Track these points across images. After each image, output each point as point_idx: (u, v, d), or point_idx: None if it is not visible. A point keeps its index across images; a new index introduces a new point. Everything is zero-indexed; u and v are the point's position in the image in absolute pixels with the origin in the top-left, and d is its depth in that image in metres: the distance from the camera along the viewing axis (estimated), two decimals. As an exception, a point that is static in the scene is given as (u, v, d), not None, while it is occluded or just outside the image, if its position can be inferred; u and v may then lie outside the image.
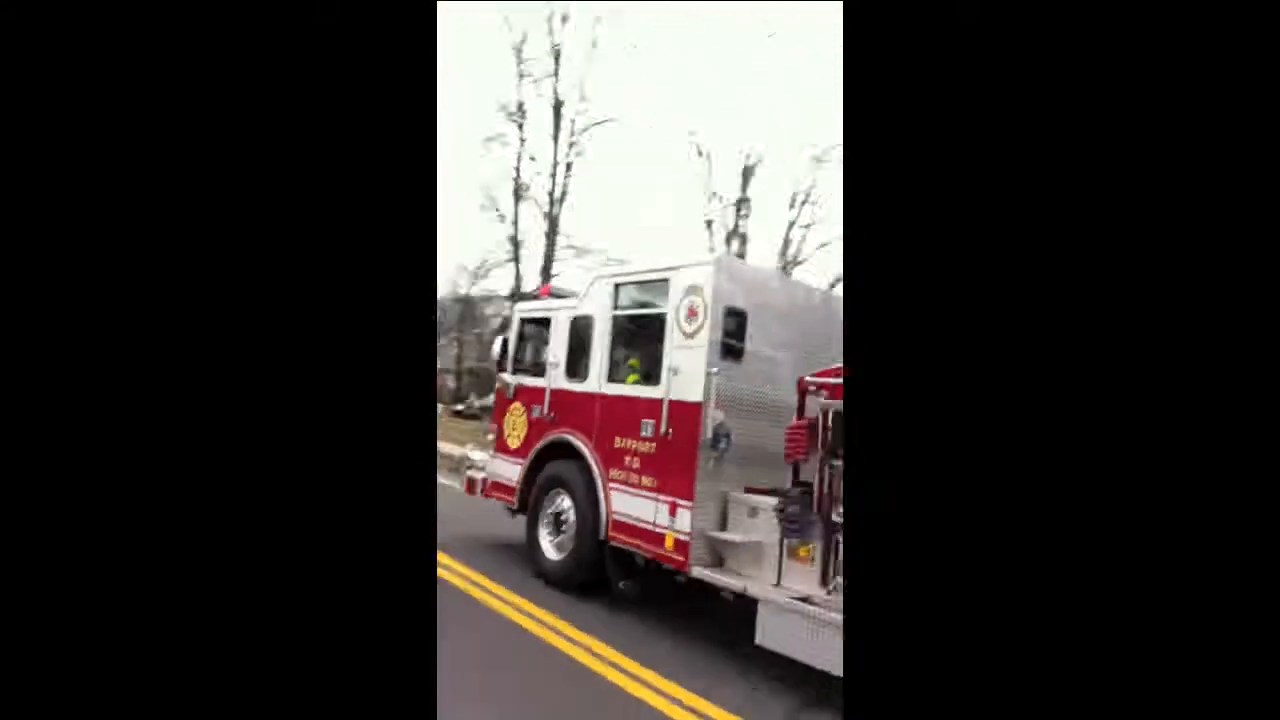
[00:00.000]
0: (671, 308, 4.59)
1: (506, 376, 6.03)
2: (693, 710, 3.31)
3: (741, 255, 21.04)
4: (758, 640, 3.76)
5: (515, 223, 23.71)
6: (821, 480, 3.78)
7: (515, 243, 23.85)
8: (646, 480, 4.57)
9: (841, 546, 3.64)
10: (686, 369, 4.40)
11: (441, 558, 5.26)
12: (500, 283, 24.95)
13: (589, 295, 5.38)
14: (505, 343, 6.22)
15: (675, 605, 4.88)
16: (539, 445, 5.49)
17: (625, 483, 4.71)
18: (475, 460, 6.76)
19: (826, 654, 3.35)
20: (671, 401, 4.46)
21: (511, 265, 24.28)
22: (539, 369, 5.73)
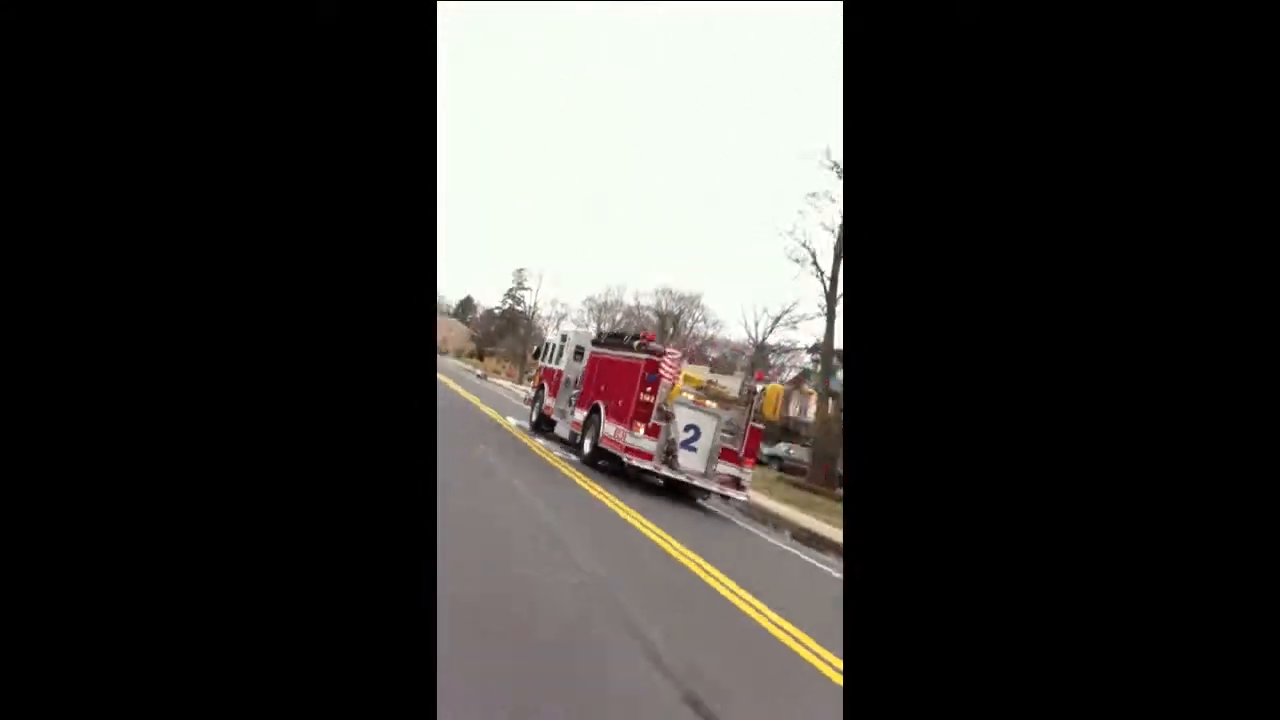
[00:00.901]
0: (568, 343, 15.15)
1: (539, 362, 16.94)
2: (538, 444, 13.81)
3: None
4: (555, 431, 14.41)
5: (833, 279, 22.75)
6: (571, 393, 14.10)
7: (830, 299, 23.11)
8: (552, 395, 15.16)
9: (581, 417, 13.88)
10: (563, 360, 14.92)
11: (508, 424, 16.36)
12: (805, 335, 25.58)
13: (558, 334, 16.16)
14: (537, 350, 17.26)
15: (549, 433, 15.27)
16: (536, 383, 16.39)
17: (550, 395, 15.35)
18: (528, 393, 17.92)
19: (559, 434, 13.80)
20: (558, 370, 15.03)
21: (824, 320, 23.55)
22: (544, 358, 16.54)
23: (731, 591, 6.04)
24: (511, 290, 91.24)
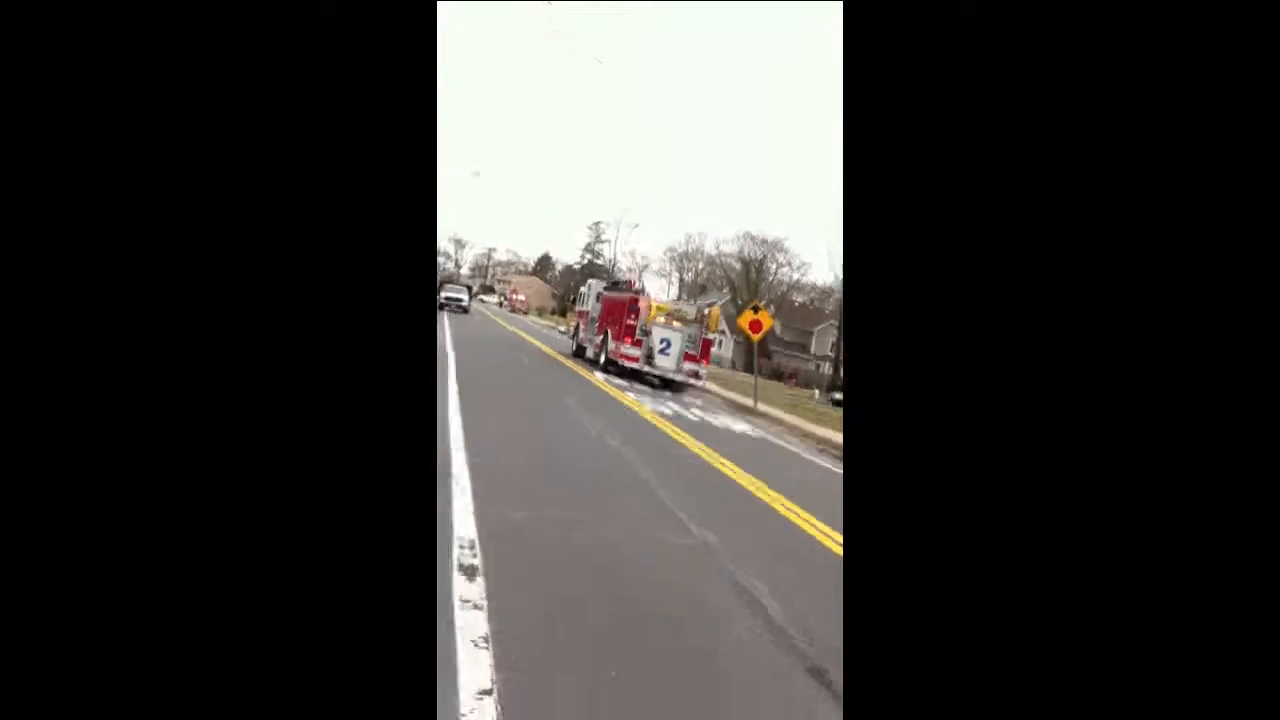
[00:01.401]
0: (591, 291, 20.69)
1: (575, 306, 22.56)
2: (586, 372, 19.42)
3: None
4: (585, 355, 20.04)
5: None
6: (586, 328, 19.69)
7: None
8: (584, 329, 20.79)
9: (604, 349, 19.41)
10: (589, 304, 20.48)
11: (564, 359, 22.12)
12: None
13: (586, 287, 21.68)
14: (574, 299, 23.02)
15: (583, 356, 20.89)
16: (574, 324, 22.06)
17: (582, 330, 21.02)
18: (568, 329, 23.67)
19: (588, 355, 19.40)
20: (586, 311, 20.65)
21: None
22: (579, 304, 22.16)
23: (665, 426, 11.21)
24: (589, 244, 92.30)
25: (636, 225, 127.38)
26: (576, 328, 22.17)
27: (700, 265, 71.75)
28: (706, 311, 16.80)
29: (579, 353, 21.14)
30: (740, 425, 12.70)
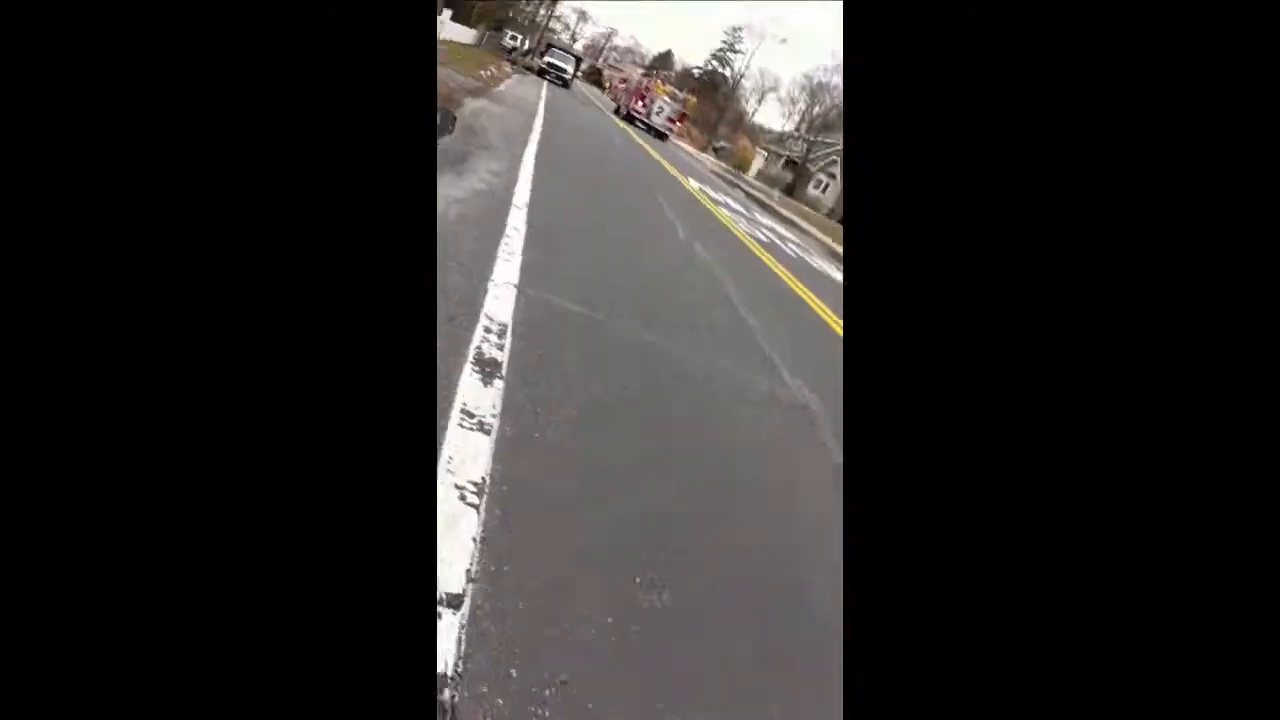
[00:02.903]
0: (630, 81, 32.90)
1: (620, 86, 34.80)
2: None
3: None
4: (619, 114, 32.20)
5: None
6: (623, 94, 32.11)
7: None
8: (622, 97, 32.90)
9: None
10: (627, 85, 32.71)
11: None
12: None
13: (630, 73, 33.81)
14: (623, 79, 35.18)
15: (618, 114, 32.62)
16: (619, 99, 34.26)
17: (621, 99, 33.00)
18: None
19: (620, 112, 31.50)
20: (625, 87, 32.87)
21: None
22: (620, 87, 34.36)
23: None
24: (720, 51, 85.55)
25: (784, 40, 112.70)
26: (618, 99, 33.54)
27: (830, 101, 68.05)
28: (686, 96, 29.23)
29: (616, 111, 32.10)
30: (835, 271, 13.33)
